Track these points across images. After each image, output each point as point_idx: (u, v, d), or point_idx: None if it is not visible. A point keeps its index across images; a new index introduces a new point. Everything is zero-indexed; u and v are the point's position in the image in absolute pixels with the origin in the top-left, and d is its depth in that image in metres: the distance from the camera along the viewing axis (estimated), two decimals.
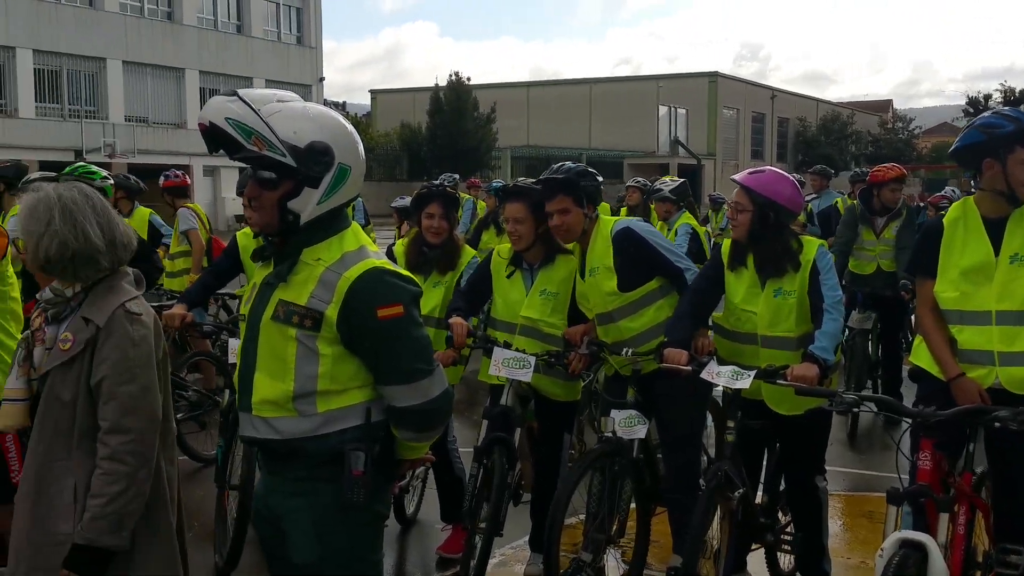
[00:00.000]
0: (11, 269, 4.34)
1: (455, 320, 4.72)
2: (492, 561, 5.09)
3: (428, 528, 5.76)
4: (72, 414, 2.78)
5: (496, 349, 4.66)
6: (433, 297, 5.08)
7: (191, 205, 9.26)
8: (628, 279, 4.54)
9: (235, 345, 5.27)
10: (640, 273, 4.56)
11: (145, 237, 8.97)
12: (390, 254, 5.31)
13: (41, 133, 31.79)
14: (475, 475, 4.60)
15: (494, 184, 12.03)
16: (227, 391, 5.46)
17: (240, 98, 2.54)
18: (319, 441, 2.64)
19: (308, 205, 2.61)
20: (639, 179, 10.63)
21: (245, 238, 5.76)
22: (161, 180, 9.36)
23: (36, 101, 32.29)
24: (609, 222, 4.66)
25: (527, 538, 5.18)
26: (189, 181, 9.96)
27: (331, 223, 2.69)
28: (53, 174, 7.28)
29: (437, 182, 5.33)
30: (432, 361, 2.71)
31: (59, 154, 30.47)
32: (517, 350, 4.65)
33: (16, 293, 4.26)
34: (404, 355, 2.65)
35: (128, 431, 2.72)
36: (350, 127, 2.70)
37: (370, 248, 2.74)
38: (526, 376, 4.59)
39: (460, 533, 5.27)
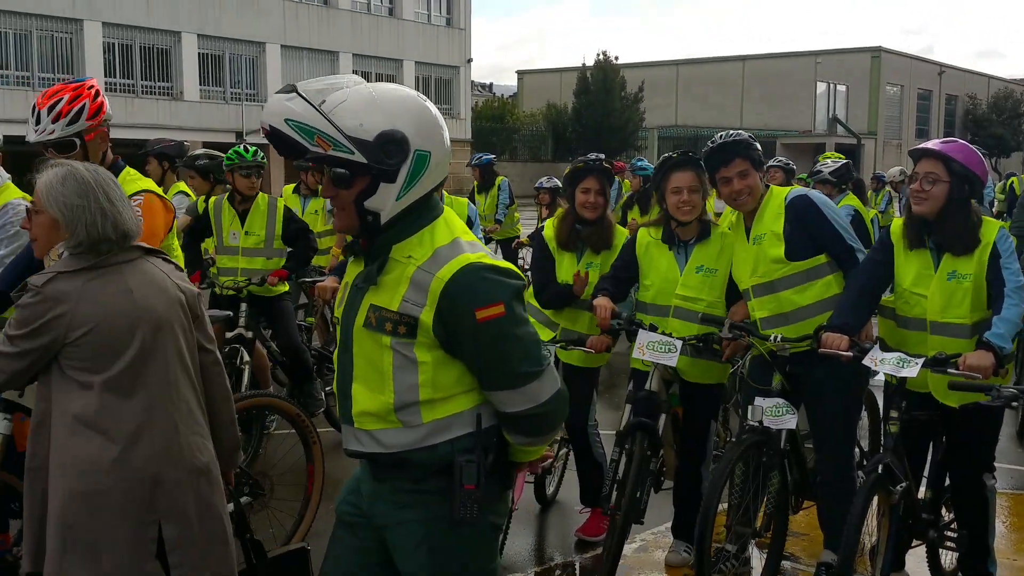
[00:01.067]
0: (176, 242, 4.50)
1: (600, 300, 4.59)
2: (632, 546, 5.02)
3: (568, 509, 5.69)
4: None
5: (641, 332, 4.51)
6: (588, 277, 4.96)
7: None
8: (796, 248, 4.31)
9: None
10: (810, 244, 4.33)
11: (324, 218, 9.40)
12: (538, 235, 5.24)
13: (204, 115, 33.30)
14: (616, 460, 4.49)
15: (636, 162, 11.77)
16: None
17: (299, 94, 2.33)
18: (427, 452, 2.46)
19: (387, 202, 2.38)
20: (781, 159, 10.14)
21: None
22: None
23: (200, 84, 33.80)
24: (784, 190, 4.49)
25: (668, 524, 5.07)
26: None
27: (420, 214, 2.46)
28: (218, 153, 7.55)
29: (593, 156, 5.17)
30: (542, 361, 2.46)
31: (221, 135, 31.88)
32: (665, 333, 4.51)
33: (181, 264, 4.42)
34: (509, 358, 2.41)
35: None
36: (428, 106, 2.44)
37: (464, 239, 2.47)
38: (671, 360, 4.44)
39: (600, 516, 5.20)
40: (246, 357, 6.36)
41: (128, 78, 32.13)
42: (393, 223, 2.42)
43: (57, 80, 29.27)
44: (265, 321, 6.88)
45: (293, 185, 9.42)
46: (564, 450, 5.52)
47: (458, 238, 2.45)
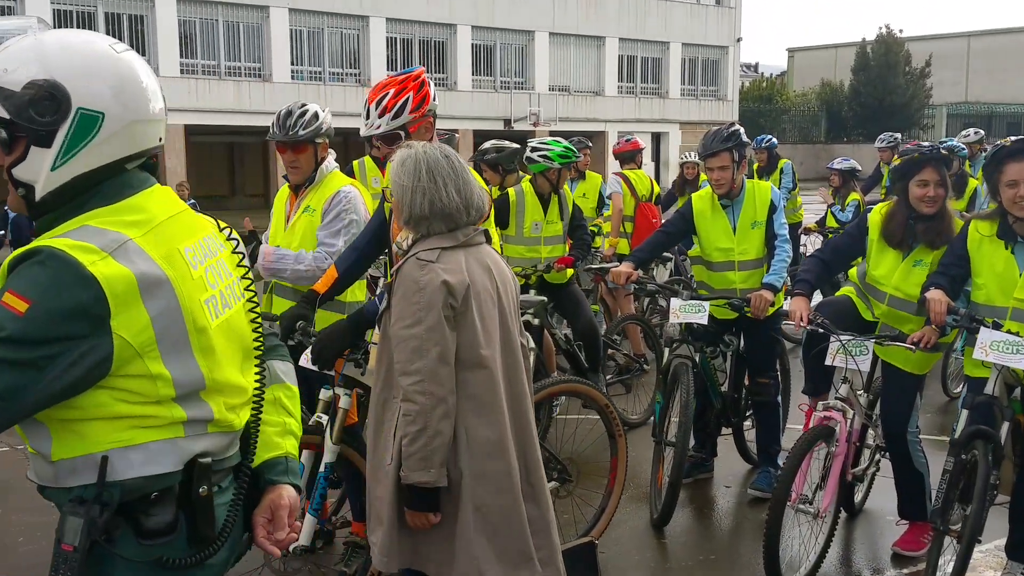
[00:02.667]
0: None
1: (934, 292, 4.17)
2: None
3: (877, 519, 5.28)
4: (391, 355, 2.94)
5: (983, 330, 4.02)
6: (915, 276, 4.57)
7: (627, 171, 9.38)
8: None
9: (676, 305, 5.24)
10: None
11: (594, 203, 9.46)
12: (863, 216, 4.85)
13: (475, 104, 34.35)
14: (949, 470, 4.06)
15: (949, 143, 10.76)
16: (667, 350, 5.57)
17: None
18: (63, 495, 1.90)
19: (39, 172, 1.86)
20: None
21: (700, 201, 5.62)
22: (613, 146, 9.75)
23: (472, 75, 34.92)
24: None
25: (997, 542, 4.58)
26: (642, 145, 10.08)
27: (93, 195, 1.90)
28: (506, 144, 7.63)
29: (930, 145, 4.74)
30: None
31: (490, 123, 32.76)
32: (1009, 332, 3.99)
33: None
34: None
35: (415, 372, 2.81)
36: (120, 60, 1.91)
37: (100, 225, 1.85)
38: (1022, 363, 3.93)
39: (920, 529, 4.80)
40: (531, 344, 6.38)
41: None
42: (55, 203, 1.90)
43: (346, 75, 31.31)
44: (553, 309, 6.89)
45: None
46: (877, 456, 5.08)
47: (87, 225, 1.86)
